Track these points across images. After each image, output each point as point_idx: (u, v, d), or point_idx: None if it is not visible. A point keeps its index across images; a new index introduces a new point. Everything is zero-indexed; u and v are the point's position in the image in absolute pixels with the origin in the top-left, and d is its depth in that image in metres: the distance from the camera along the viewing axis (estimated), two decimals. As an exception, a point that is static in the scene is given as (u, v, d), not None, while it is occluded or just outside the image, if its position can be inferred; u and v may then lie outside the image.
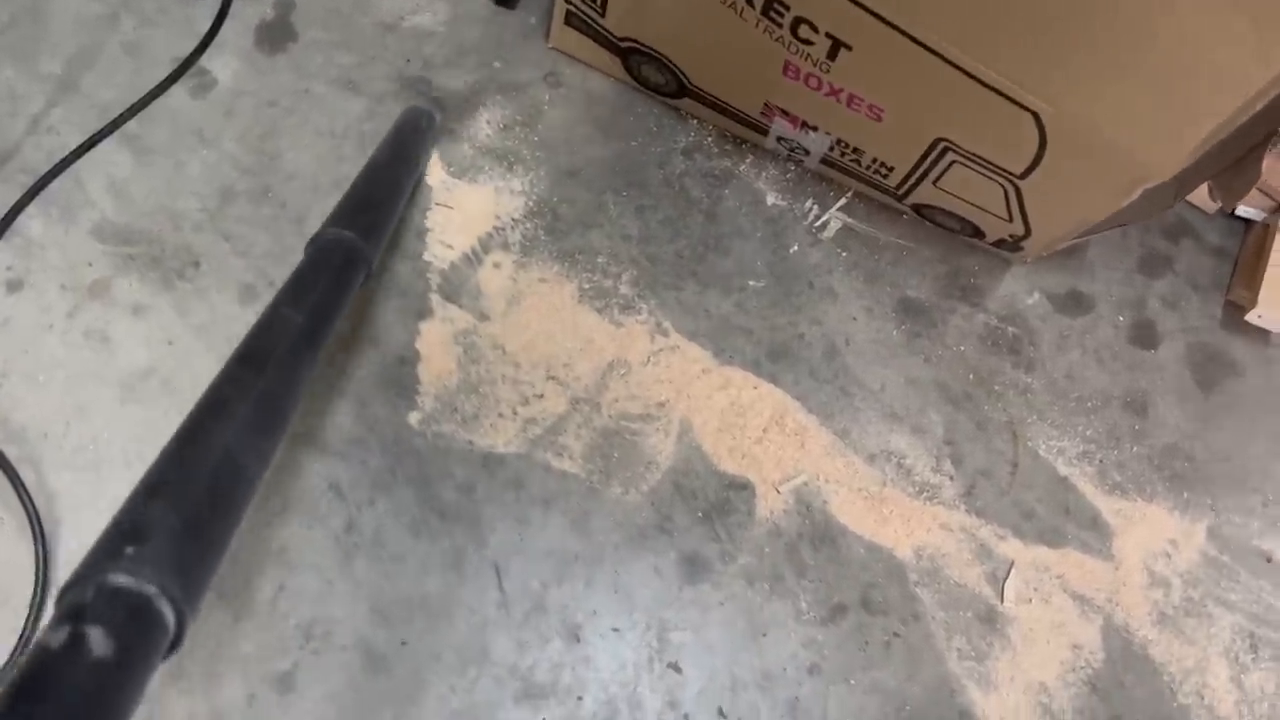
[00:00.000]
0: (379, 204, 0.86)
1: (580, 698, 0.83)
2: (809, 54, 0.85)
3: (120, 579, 0.52)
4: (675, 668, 0.86)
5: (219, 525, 0.59)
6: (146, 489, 0.58)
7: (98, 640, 0.49)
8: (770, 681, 0.86)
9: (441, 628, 0.84)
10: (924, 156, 0.90)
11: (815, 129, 0.96)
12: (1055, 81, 0.73)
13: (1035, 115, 0.77)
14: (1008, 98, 0.76)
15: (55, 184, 0.94)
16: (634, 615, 0.87)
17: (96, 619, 0.50)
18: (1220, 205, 1.08)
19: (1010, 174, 0.86)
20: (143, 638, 0.52)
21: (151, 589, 0.52)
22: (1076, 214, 0.87)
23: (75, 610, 0.50)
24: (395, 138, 0.95)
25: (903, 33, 0.75)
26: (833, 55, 0.84)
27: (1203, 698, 0.91)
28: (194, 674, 0.79)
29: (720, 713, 0.85)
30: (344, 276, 0.78)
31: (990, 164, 0.86)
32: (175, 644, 0.54)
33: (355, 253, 0.80)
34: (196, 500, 0.58)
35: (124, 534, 0.54)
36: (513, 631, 0.85)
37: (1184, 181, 0.87)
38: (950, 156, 0.88)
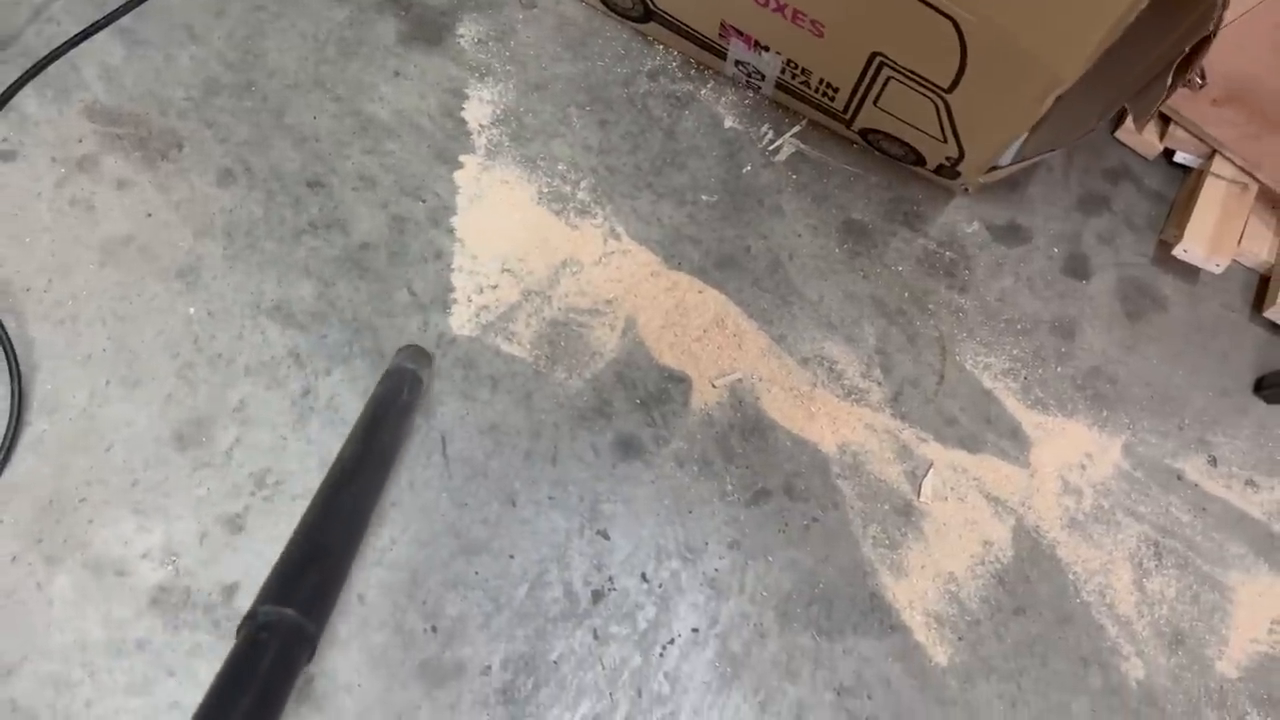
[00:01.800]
0: (331, 549, 0.71)
1: (512, 556, 0.89)
2: (755, -33, 0.91)
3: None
4: (604, 535, 0.91)
5: None
6: None
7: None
8: (693, 553, 0.92)
9: (387, 486, 0.89)
10: (863, 74, 0.96)
11: (767, 49, 1.02)
12: (969, -14, 0.79)
13: (954, 22, 0.82)
14: (929, 4, 0.82)
15: (52, 68, 1.00)
16: (568, 487, 0.93)
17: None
18: (1136, 127, 1.12)
19: (939, 87, 0.91)
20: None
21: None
22: (1001, 129, 0.92)
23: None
24: (366, 426, 0.82)
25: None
26: (776, -32, 0.89)
27: (1104, 597, 0.97)
28: (150, 510, 0.86)
29: (644, 578, 0.90)
30: (274, 681, 0.62)
31: (921, 78, 0.91)
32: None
33: (292, 638, 0.64)
34: None
35: None
36: (454, 494, 0.91)
37: (1105, 101, 0.93)
38: (886, 73, 0.94)
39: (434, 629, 0.85)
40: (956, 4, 0.81)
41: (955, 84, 0.90)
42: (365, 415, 0.82)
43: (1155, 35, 0.86)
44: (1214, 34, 0.83)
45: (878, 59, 0.93)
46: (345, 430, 0.91)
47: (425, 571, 0.87)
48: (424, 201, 1.01)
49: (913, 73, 0.91)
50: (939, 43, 0.85)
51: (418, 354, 0.90)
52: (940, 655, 0.91)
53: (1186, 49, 0.84)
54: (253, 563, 0.85)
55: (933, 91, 0.92)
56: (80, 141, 0.98)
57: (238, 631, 0.64)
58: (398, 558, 0.87)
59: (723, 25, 1.03)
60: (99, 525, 0.84)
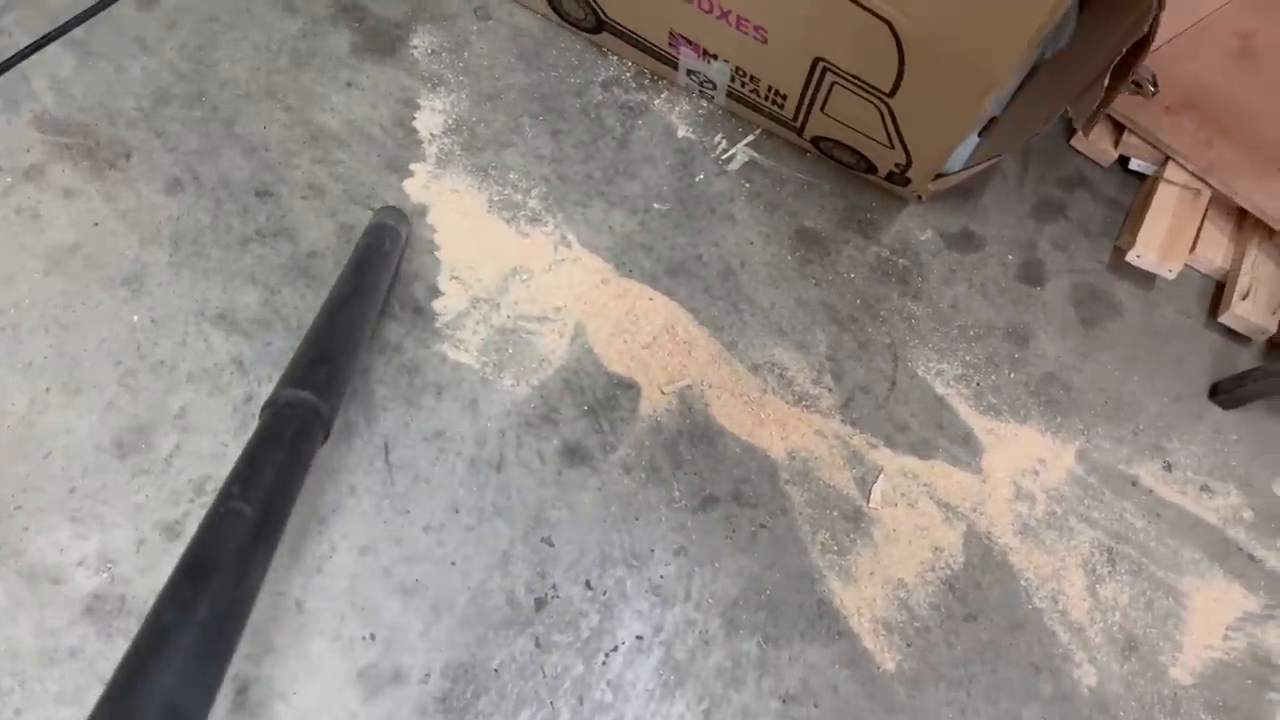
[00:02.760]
0: (338, 351, 0.82)
1: (454, 563, 0.88)
2: (696, -27, 0.91)
3: None
4: (548, 542, 0.91)
5: None
6: None
7: None
8: (638, 560, 0.91)
9: (327, 492, 0.89)
10: (808, 80, 0.96)
11: (716, 57, 1.03)
12: (901, -12, 0.79)
13: (889, 24, 0.83)
14: (864, 7, 0.82)
15: (2, 79, 1.00)
16: (513, 494, 0.92)
17: None
18: (1081, 131, 1.13)
19: (881, 92, 0.91)
20: None
21: None
22: (944, 132, 0.93)
23: None
24: (356, 265, 0.91)
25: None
26: (716, -26, 0.90)
27: (1057, 603, 0.96)
28: (87, 518, 0.85)
29: (588, 585, 0.90)
30: (299, 449, 0.73)
31: (863, 83, 0.92)
32: None
33: (312, 416, 0.75)
34: None
35: None
36: (396, 501, 0.90)
37: (1049, 105, 0.93)
38: (830, 78, 0.94)
39: (373, 636, 0.84)
40: (891, 6, 0.81)
41: (896, 88, 0.90)
42: (353, 259, 0.91)
43: (1094, 38, 0.87)
44: (1151, 36, 0.83)
45: (821, 64, 0.93)
46: (286, 437, 0.90)
47: (365, 578, 0.86)
48: (373, 210, 1.01)
49: (855, 77, 0.92)
50: (877, 47, 0.86)
51: (396, 214, 0.97)
52: (889, 662, 0.90)
53: (1124, 51, 0.84)
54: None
55: (875, 96, 0.93)
56: (28, 151, 0.98)
57: (261, 413, 0.75)
58: (337, 564, 0.86)
59: (671, 34, 1.03)
60: (34, 533, 0.84)
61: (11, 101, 1.00)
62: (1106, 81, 0.85)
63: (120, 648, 0.80)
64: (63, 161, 0.98)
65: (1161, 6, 0.82)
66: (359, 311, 0.86)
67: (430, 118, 1.08)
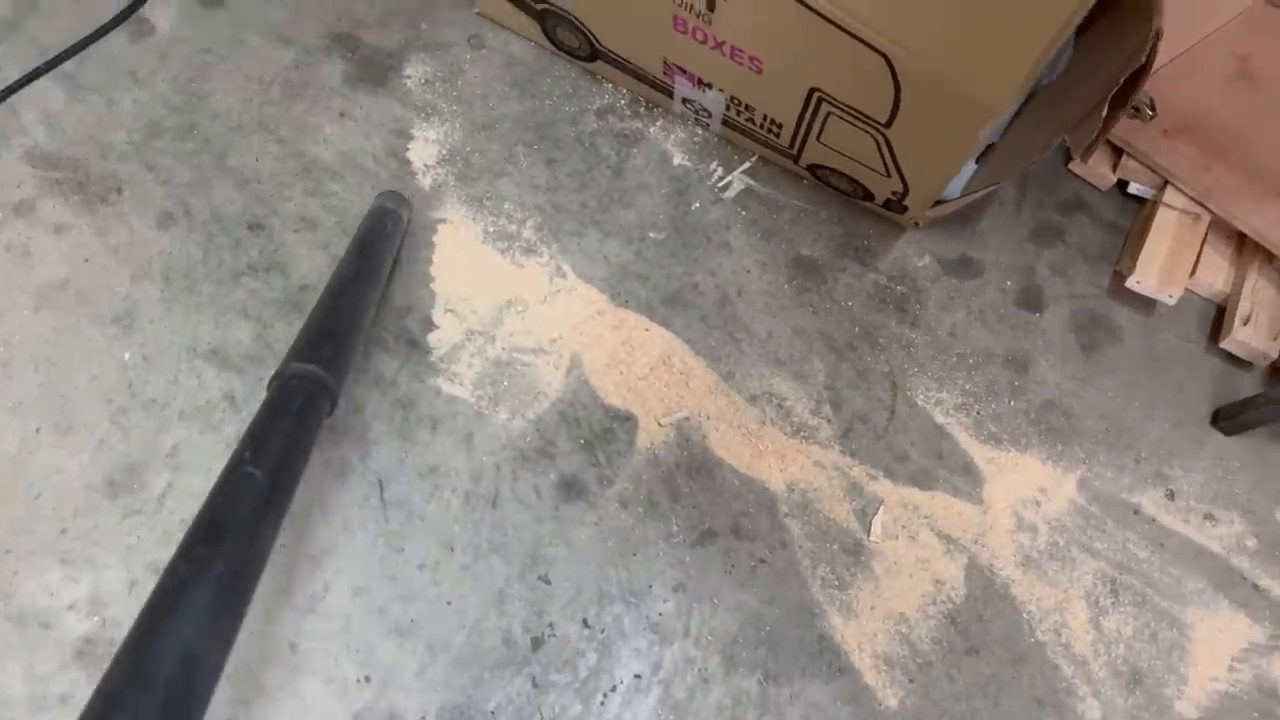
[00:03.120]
0: (342, 329, 0.84)
1: (449, 602, 0.87)
2: (691, 4, 0.91)
3: None
4: (545, 580, 0.90)
5: None
6: (103, 699, 0.56)
7: None
8: (636, 597, 0.90)
9: (320, 530, 0.88)
10: (804, 110, 0.96)
11: (710, 86, 1.02)
12: (897, 22, 0.79)
13: (886, 58, 0.82)
14: (860, 40, 0.82)
15: (-8, 113, 1.00)
16: (509, 530, 0.91)
17: None
18: (1079, 159, 1.12)
19: (877, 123, 0.91)
20: None
21: None
22: (941, 162, 0.92)
23: None
24: (359, 248, 0.93)
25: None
26: (711, 6, 0.89)
27: (1060, 635, 0.95)
28: (78, 560, 0.84)
29: (585, 623, 0.88)
30: (307, 418, 0.76)
31: (859, 113, 0.91)
32: None
33: (318, 388, 0.78)
34: (154, 710, 0.56)
35: None
36: (390, 539, 0.89)
37: (1047, 133, 0.93)
38: (826, 108, 0.94)
39: (367, 678, 0.83)
40: (887, 39, 0.81)
41: (892, 119, 0.89)
42: (356, 241, 0.93)
43: (1091, 64, 0.86)
44: (1149, 66, 0.82)
45: (816, 95, 0.93)
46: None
47: (359, 618, 0.85)
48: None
49: (850, 108, 0.91)
50: (873, 78, 0.85)
51: (397, 198, 0.99)
52: (890, 698, 0.89)
53: (1122, 80, 0.83)
54: (180, 612, 0.83)
55: (871, 127, 0.92)
56: (18, 187, 0.97)
57: (269, 386, 0.79)
58: (331, 605, 0.85)
59: (666, 63, 1.02)
60: (24, 576, 0.83)
61: (1, 136, 1.00)
62: (1104, 111, 0.85)
63: (110, 694, 0.78)
64: (53, 196, 0.98)
65: (1160, 35, 0.81)
66: (363, 291, 0.88)
67: (424, 148, 1.07)
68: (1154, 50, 0.81)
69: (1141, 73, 0.84)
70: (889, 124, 0.90)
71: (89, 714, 0.55)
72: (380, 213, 0.96)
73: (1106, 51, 0.90)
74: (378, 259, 0.92)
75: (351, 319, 0.85)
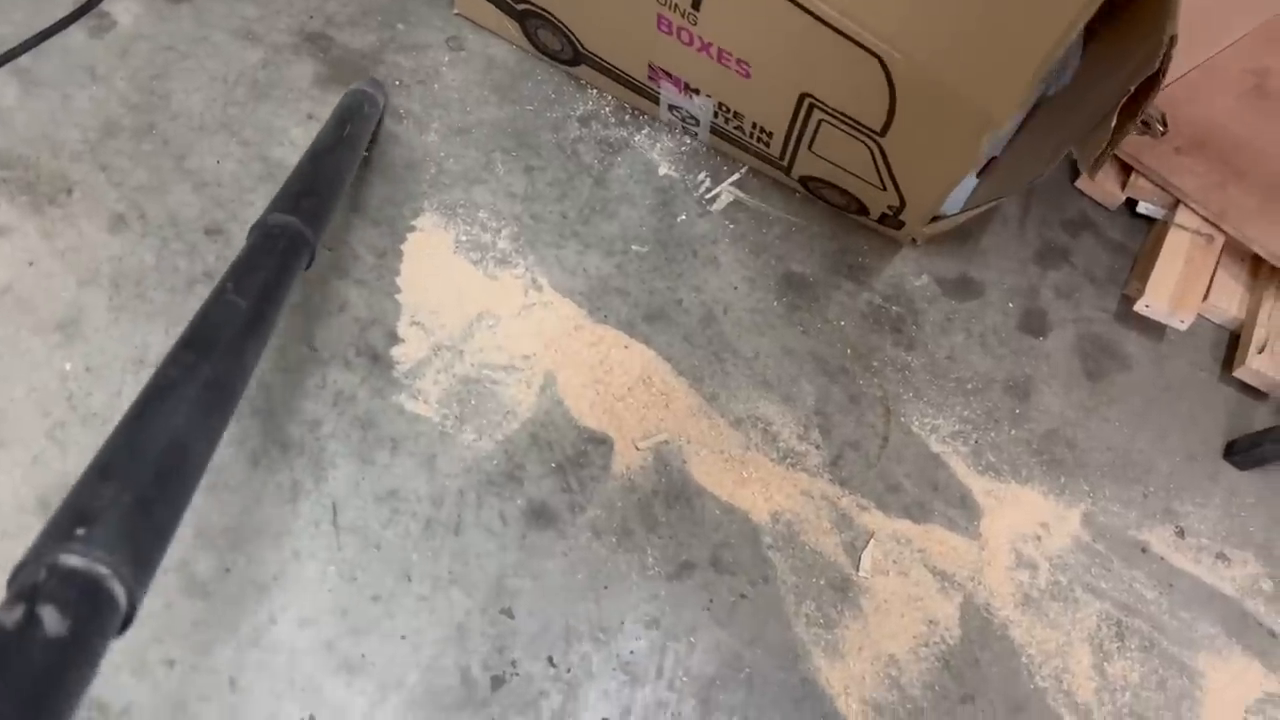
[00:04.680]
0: (322, 190, 0.85)
1: (404, 637, 0.81)
2: (675, 3, 0.85)
3: (72, 560, 0.51)
4: (508, 614, 0.83)
5: (168, 506, 0.58)
6: (96, 471, 0.57)
7: (51, 619, 0.48)
8: (606, 634, 0.84)
9: (268, 558, 0.82)
10: (795, 116, 0.90)
11: (698, 92, 0.97)
12: (893, 22, 0.73)
13: (881, 61, 0.77)
14: (853, 41, 0.76)
15: (-60, 108, 0.94)
16: (471, 560, 0.85)
17: (50, 598, 0.49)
18: (1086, 175, 1.07)
19: (871, 130, 0.85)
20: (95, 616, 0.51)
21: (103, 570, 0.51)
22: (939, 174, 0.87)
23: (29, 590, 0.49)
24: (338, 121, 0.93)
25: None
26: (695, 4, 0.84)
27: (1061, 682, 0.88)
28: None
29: (550, 661, 0.82)
30: (288, 261, 0.77)
31: (852, 120, 0.86)
32: (126, 622, 0.53)
33: (298, 238, 0.79)
34: (145, 482, 0.57)
35: (75, 516, 0.53)
36: (342, 567, 0.83)
37: (1052, 145, 0.87)
38: (817, 115, 0.88)
39: (312, 718, 0.77)
40: (882, 41, 0.75)
41: (887, 127, 0.84)
42: (334, 118, 0.93)
43: (1100, 73, 0.81)
44: (1162, 73, 0.77)
45: (807, 100, 0.87)
46: (227, 494, 0.83)
47: (306, 653, 0.79)
48: (330, 250, 0.95)
49: (843, 115, 0.86)
50: (867, 83, 0.80)
51: (374, 83, 1.01)
52: (878, 749, 0.83)
53: (1133, 89, 0.78)
54: (118, 645, 0.77)
55: (865, 135, 0.87)
56: (-38, 185, 0.92)
57: (250, 234, 0.79)
58: (276, 638, 0.79)
59: (651, 67, 0.97)
60: (-57, 602, 0.76)
61: (-52, 132, 0.94)
62: (1114, 121, 0.79)
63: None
64: (-1, 196, 0.92)
65: (1174, 41, 0.76)
66: (342, 158, 0.89)
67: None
68: (1168, 57, 0.76)
69: (1153, 82, 0.78)
70: (884, 132, 0.85)
71: (82, 481, 0.55)
72: (357, 93, 0.98)
73: (1116, 59, 0.84)
74: (356, 133, 0.92)
75: (330, 183, 0.86)
